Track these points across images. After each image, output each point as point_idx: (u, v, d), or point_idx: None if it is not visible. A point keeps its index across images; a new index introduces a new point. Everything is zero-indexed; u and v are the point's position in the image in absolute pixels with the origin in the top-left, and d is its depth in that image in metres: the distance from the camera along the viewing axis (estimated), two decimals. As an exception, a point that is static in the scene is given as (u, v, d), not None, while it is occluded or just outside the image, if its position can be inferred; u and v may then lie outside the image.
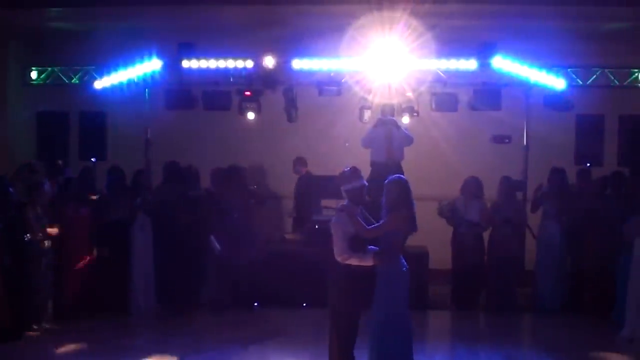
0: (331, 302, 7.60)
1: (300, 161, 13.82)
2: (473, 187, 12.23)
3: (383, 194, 7.59)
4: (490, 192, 12.36)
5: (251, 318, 11.56)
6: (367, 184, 7.70)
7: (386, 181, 7.65)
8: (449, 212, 12.16)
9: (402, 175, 7.85)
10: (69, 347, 9.83)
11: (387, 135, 12.58)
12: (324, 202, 13.05)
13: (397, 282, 7.48)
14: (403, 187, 7.55)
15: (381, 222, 7.50)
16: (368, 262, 7.41)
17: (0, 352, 9.50)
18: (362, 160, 11.92)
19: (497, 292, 12.09)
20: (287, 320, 11.40)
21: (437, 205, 12.08)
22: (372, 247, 7.52)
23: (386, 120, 12.72)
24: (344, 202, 7.66)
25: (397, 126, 12.73)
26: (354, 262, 7.41)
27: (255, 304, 12.00)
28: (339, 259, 7.42)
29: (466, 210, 12.14)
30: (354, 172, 7.71)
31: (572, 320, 11.53)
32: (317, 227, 12.14)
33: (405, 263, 7.55)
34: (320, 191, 13.17)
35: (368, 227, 7.48)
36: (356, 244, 7.43)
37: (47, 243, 10.47)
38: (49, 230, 10.55)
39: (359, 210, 7.60)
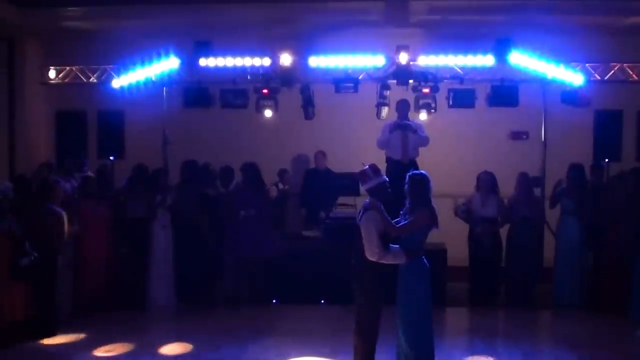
0: (358, 299, 7.64)
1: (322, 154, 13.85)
2: (488, 182, 12.18)
3: (406, 188, 7.63)
4: (508, 188, 12.32)
5: (269, 314, 11.59)
6: (387, 179, 7.71)
7: (410, 175, 7.69)
8: (464, 213, 12.12)
9: (424, 172, 7.83)
10: (87, 344, 9.88)
11: (403, 139, 12.61)
12: (341, 200, 13.08)
13: (423, 279, 7.55)
14: (426, 183, 7.63)
15: (409, 219, 7.52)
16: (401, 261, 7.42)
17: (18, 347, 9.60)
18: (379, 158, 11.99)
19: (516, 288, 12.07)
20: (305, 317, 11.41)
21: (453, 203, 12.04)
22: (393, 245, 7.51)
23: (403, 125, 12.71)
24: (366, 200, 7.64)
25: (414, 130, 12.71)
26: (388, 260, 7.40)
27: (274, 300, 12.04)
28: (373, 257, 7.38)
29: (483, 206, 12.11)
30: (374, 170, 7.74)
31: (591, 317, 11.46)
32: (331, 223, 12.20)
33: (426, 261, 7.60)
34: (337, 188, 13.23)
35: (397, 225, 7.49)
36: (383, 242, 7.42)
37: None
38: (67, 227, 10.62)
39: (381, 207, 7.58)
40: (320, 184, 13.55)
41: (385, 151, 12.73)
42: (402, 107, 12.89)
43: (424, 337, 7.52)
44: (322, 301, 12.00)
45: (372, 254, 7.38)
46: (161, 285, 11.87)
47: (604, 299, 11.62)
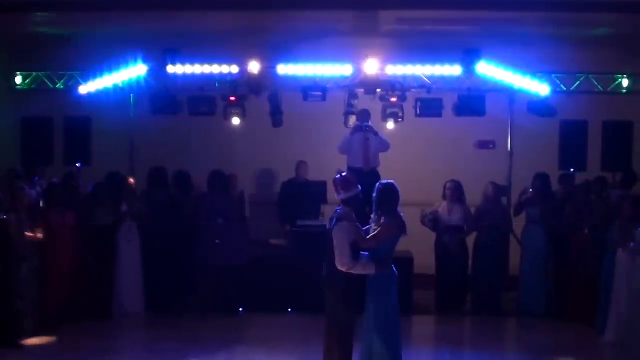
0: (331, 309, 7.57)
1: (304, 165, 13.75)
2: (455, 190, 12.29)
3: (374, 197, 7.57)
4: (474, 197, 12.43)
5: (237, 323, 11.55)
6: (360, 188, 7.61)
7: (378, 184, 7.62)
8: (431, 222, 12.19)
9: (392, 181, 7.71)
10: (54, 354, 9.79)
11: (364, 141, 12.70)
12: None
13: (392, 289, 7.52)
14: (394, 193, 7.56)
15: (376, 229, 7.46)
16: (370, 271, 7.39)
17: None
18: (344, 166, 12.00)
19: (482, 296, 12.16)
20: (272, 325, 11.41)
21: (420, 212, 12.09)
22: (363, 253, 7.50)
23: (363, 127, 12.82)
24: (338, 209, 7.58)
25: (375, 132, 12.84)
26: (358, 271, 7.36)
27: (240, 309, 12.00)
28: (343, 268, 7.33)
29: (449, 215, 12.20)
30: (350, 179, 7.64)
31: (556, 325, 11.58)
32: (299, 232, 12.22)
33: (395, 269, 7.58)
34: (306, 196, 13.21)
35: (367, 237, 7.45)
36: (354, 253, 7.38)
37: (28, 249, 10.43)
38: (32, 235, 10.49)
39: (354, 217, 7.52)
40: (299, 194, 13.43)
41: (347, 159, 12.79)
42: (362, 115, 13.04)
43: (393, 346, 7.50)
44: (289, 310, 11.98)
45: (342, 264, 7.34)
46: (128, 293, 11.79)
47: (569, 307, 11.73)
